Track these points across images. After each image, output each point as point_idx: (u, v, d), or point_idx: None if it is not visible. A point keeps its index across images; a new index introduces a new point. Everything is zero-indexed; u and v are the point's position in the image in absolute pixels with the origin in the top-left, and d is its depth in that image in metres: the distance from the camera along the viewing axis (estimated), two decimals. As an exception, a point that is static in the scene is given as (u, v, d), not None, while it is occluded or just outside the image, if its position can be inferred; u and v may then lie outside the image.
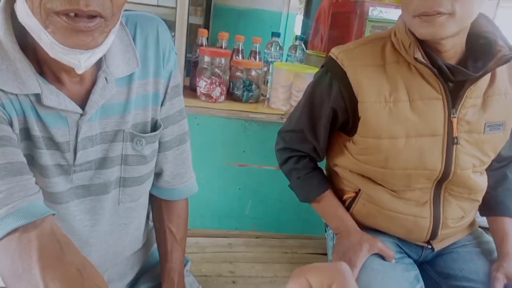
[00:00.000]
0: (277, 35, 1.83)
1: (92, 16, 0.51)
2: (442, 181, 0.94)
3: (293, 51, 1.91)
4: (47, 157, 0.62)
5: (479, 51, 0.88)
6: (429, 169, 0.91)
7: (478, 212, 1.07)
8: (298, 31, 3.06)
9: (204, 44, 1.74)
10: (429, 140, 0.90)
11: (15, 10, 0.55)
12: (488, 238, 1.07)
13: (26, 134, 0.61)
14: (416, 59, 0.85)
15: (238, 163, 1.66)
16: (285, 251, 1.55)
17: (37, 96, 0.58)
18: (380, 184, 0.99)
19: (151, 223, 0.91)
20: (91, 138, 0.65)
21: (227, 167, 1.66)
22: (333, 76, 0.95)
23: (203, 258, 1.42)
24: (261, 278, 1.35)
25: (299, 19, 3.16)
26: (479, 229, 1.11)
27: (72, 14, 0.49)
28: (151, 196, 0.84)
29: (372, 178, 0.99)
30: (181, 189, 0.83)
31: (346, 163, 1.03)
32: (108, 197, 0.71)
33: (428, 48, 0.86)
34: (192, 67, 1.77)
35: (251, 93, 1.70)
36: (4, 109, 0.57)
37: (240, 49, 1.77)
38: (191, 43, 1.82)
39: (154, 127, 0.73)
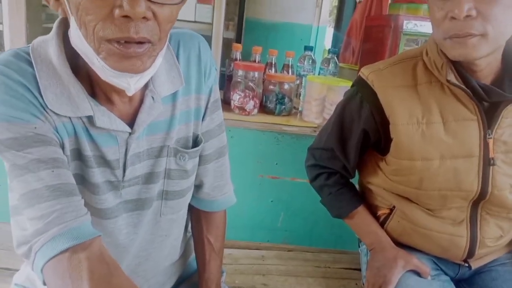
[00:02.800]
0: (310, 48, 1.85)
1: (141, 42, 0.54)
2: (479, 201, 0.91)
3: (326, 64, 1.92)
4: (98, 175, 0.65)
5: None
6: (465, 190, 0.89)
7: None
8: (328, 44, 3.06)
9: (238, 58, 1.78)
10: (464, 162, 0.88)
11: (67, 35, 0.59)
12: None
13: (77, 154, 0.64)
14: (448, 81, 0.84)
15: (271, 176, 1.68)
16: (318, 265, 1.54)
17: (89, 118, 0.62)
18: (415, 203, 0.97)
19: (189, 234, 0.93)
20: (139, 154, 0.68)
21: (260, 180, 1.67)
22: (363, 97, 0.95)
23: (237, 270, 1.44)
24: (293, 291, 1.35)
25: (329, 32, 3.17)
26: (520, 247, 1.07)
27: (123, 41, 0.53)
28: (191, 207, 0.86)
29: (407, 197, 0.98)
30: (220, 201, 0.85)
31: (379, 181, 1.02)
32: (151, 210, 0.74)
33: (462, 68, 0.85)
34: (226, 81, 1.81)
35: (283, 106, 1.72)
36: (57, 132, 0.60)
37: (273, 63, 1.80)
38: (224, 57, 1.87)
39: (195, 141, 0.76)
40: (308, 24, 2.56)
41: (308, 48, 1.85)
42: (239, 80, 1.68)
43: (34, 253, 0.55)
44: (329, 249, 1.68)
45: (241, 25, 2.54)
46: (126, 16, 0.51)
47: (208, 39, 1.64)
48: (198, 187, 0.83)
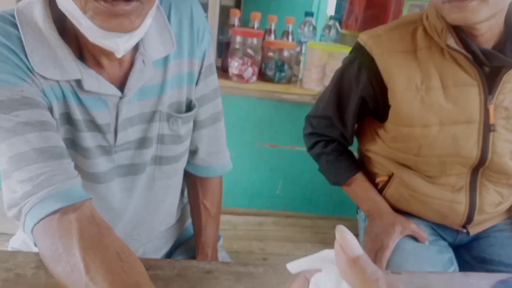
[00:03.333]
0: (311, 14, 1.80)
1: (128, 0, 0.51)
2: (478, 168, 0.91)
3: (327, 31, 1.88)
4: (89, 139, 0.64)
5: None
6: (465, 156, 0.88)
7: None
8: (331, 11, 2.99)
9: (236, 24, 1.74)
10: (464, 128, 0.87)
11: None
12: None
13: (67, 118, 0.63)
14: (448, 46, 0.82)
15: (270, 144, 1.67)
16: (316, 231, 1.56)
17: (78, 82, 0.60)
18: (414, 170, 0.97)
19: (185, 199, 0.93)
20: (130, 119, 0.67)
21: (258, 148, 1.67)
22: (361, 63, 0.92)
23: (235, 235, 1.46)
24: (292, 256, 1.36)
25: (332, -1, 3.08)
26: (519, 213, 1.07)
27: None
28: (186, 173, 0.86)
29: (406, 164, 0.97)
30: (216, 167, 0.85)
31: (378, 149, 1.01)
32: (144, 174, 0.73)
33: (462, 32, 0.82)
34: (224, 48, 1.77)
35: (283, 74, 1.69)
36: (45, 95, 0.59)
37: (273, 29, 1.76)
38: (223, 24, 1.82)
39: (189, 106, 0.75)
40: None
41: (308, 14, 1.80)
42: (237, 47, 1.64)
43: (24, 215, 0.55)
44: (327, 215, 1.70)
45: (240, -9, 2.47)
46: None
47: (205, 6, 1.59)
48: (193, 152, 0.82)
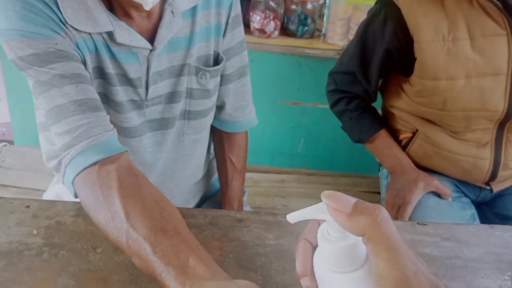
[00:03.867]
0: (336, -36, 1.71)
1: None
2: (505, 122, 0.89)
3: (352, -18, 1.79)
4: (121, 93, 0.65)
5: None
6: (491, 110, 0.87)
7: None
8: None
9: (258, -24, 1.67)
10: (491, 80, 0.85)
11: None
12: None
13: (100, 72, 0.63)
14: None
15: (292, 102, 1.66)
16: (338, 188, 1.58)
17: (110, 34, 0.60)
18: (438, 125, 0.96)
19: (211, 155, 0.95)
20: (160, 72, 0.67)
21: (280, 105, 1.66)
22: (387, 14, 0.90)
23: (257, 192, 1.49)
24: (313, 212, 1.39)
25: None
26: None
27: None
28: (213, 128, 0.87)
29: (431, 119, 0.96)
30: (242, 122, 0.86)
31: (403, 104, 1.00)
32: (174, 129, 0.75)
33: None
34: (245, 1, 1.72)
35: (306, 28, 1.64)
36: (78, 48, 0.59)
37: (296, -19, 1.69)
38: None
39: (216, 60, 0.74)
40: None
41: (333, -37, 1.72)
42: (259, 0, 1.60)
43: (64, 167, 0.56)
44: (349, 173, 1.71)
45: None
46: None
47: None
48: (219, 107, 0.83)
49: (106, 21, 0.59)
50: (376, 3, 0.96)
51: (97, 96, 0.59)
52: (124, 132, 0.69)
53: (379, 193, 1.20)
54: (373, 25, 0.94)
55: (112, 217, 0.49)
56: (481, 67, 0.85)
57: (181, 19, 0.65)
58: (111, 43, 0.61)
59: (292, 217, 0.30)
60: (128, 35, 0.61)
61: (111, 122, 0.60)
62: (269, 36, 1.62)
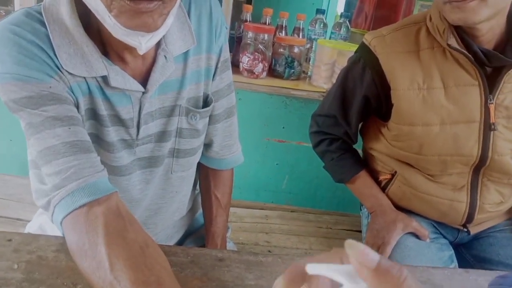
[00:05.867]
0: (322, 12, 1.82)
1: None
2: (479, 167, 0.92)
3: (337, 29, 1.89)
4: (112, 133, 0.67)
5: None
6: (465, 155, 0.90)
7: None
8: (341, 8, 2.99)
9: (248, 19, 1.76)
10: (465, 127, 0.88)
11: None
12: None
13: (92, 113, 0.65)
14: (449, 45, 0.84)
15: (277, 139, 1.69)
16: (320, 226, 1.59)
17: (104, 78, 0.62)
18: (416, 168, 0.99)
19: (197, 191, 0.96)
20: (152, 113, 0.69)
21: (266, 143, 1.69)
22: (366, 63, 0.95)
23: (241, 227, 1.49)
24: (296, 250, 1.40)
25: (342, -4, 3.07)
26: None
27: None
28: (199, 165, 0.89)
29: (408, 162, 0.99)
30: (229, 159, 0.88)
31: (382, 147, 1.04)
32: (162, 167, 0.76)
33: (464, 32, 0.84)
34: (235, 43, 1.79)
35: (293, 70, 1.71)
36: (72, 91, 0.60)
37: (284, 26, 1.78)
38: (234, 19, 1.84)
39: (206, 101, 0.77)
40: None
41: (320, 11, 1.82)
42: (248, 42, 1.67)
43: (53, 207, 0.56)
44: (331, 211, 1.73)
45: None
46: None
47: (219, 0, 1.61)
48: (207, 145, 0.85)
49: (101, 66, 0.61)
50: (356, 51, 1.00)
51: (88, 138, 0.60)
52: (114, 170, 0.70)
53: (360, 231, 1.22)
54: (352, 72, 0.99)
55: (97, 266, 0.50)
56: (455, 114, 0.88)
57: (174, 63, 0.68)
58: (105, 86, 0.63)
59: (312, 269, 0.29)
60: (122, 79, 0.63)
61: (102, 161, 0.61)
62: (257, 77, 1.68)
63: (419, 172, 0.99)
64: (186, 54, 0.70)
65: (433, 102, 0.89)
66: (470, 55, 0.83)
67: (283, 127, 1.67)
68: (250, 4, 2.37)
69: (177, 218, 0.90)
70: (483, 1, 0.75)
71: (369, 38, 0.94)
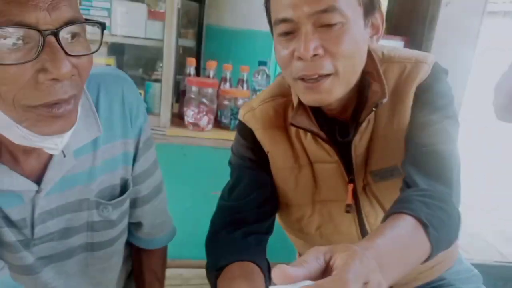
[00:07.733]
0: (264, 63, 1.86)
1: (68, 100, 0.52)
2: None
3: (280, 79, 1.93)
4: (9, 234, 0.62)
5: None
6: (345, 233, 0.83)
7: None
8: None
9: (192, 73, 1.76)
10: (336, 205, 0.80)
11: None
12: None
13: None
14: (292, 124, 0.76)
15: (225, 192, 1.67)
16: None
17: None
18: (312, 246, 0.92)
19: (129, 267, 0.91)
20: (50, 211, 0.65)
21: (213, 197, 1.65)
22: (244, 137, 0.85)
23: (188, 290, 1.43)
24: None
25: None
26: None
27: (52, 103, 0.50)
28: (129, 242, 0.84)
29: (303, 240, 0.91)
30: (161, 238, 0.84)
31: (285, 227, 0.94)
32: (73, 260, 0.71)
33: (315, 109, 0.76)
34: (180, 97, 1.79)
35: (238, 122, 1.72)
36: None
37: (228, 78, 1.79)
38: (182, 66, 1.84)
39: (124, 186, 0.73)
40: (267, 31, 2.55)
41: (262, 62, 1.86)
42: (192, 96, 1.66)
43: None
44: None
45: (201, 32, 2.51)
46: (53, 79, 0.49)
47: (161, 52, 1.61)
48: (137, 226, 0.81)
49: None
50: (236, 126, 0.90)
51: None
52: (22, 270, 0.65)
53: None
54: (236, 147, 0.90)
55: None
56: (323, 194, 0.81)
57: (74, 157, 0.63)
58: None
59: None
60: (9, 179, 0.58)
61: (6, 262, 0.58)
62: (202, 130, 1.67)
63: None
64: (95, 144, 0.66)
65: (303, 181, 0.82)
66: (321, 133, 0.75)
67: (231, 180, 1.65)
68: (198, 51, 2.39)
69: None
70: (336, 76, 0.68)
71: (242, 112, 0.85)
